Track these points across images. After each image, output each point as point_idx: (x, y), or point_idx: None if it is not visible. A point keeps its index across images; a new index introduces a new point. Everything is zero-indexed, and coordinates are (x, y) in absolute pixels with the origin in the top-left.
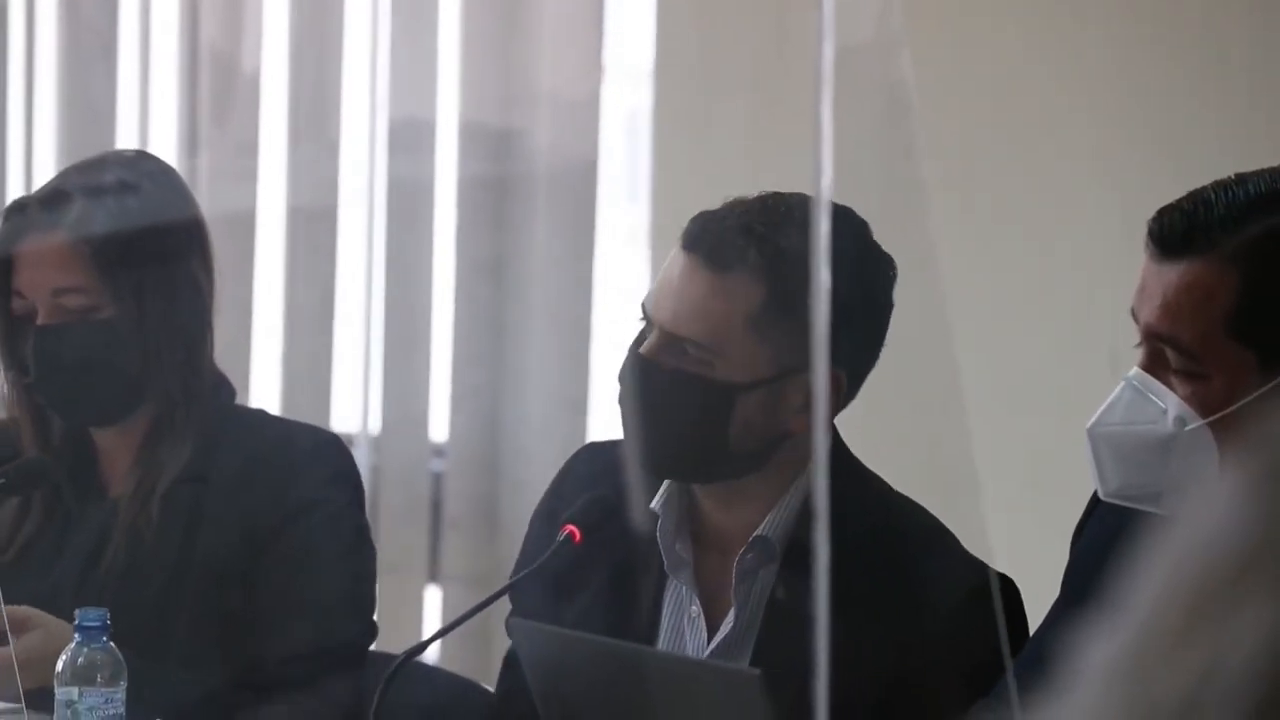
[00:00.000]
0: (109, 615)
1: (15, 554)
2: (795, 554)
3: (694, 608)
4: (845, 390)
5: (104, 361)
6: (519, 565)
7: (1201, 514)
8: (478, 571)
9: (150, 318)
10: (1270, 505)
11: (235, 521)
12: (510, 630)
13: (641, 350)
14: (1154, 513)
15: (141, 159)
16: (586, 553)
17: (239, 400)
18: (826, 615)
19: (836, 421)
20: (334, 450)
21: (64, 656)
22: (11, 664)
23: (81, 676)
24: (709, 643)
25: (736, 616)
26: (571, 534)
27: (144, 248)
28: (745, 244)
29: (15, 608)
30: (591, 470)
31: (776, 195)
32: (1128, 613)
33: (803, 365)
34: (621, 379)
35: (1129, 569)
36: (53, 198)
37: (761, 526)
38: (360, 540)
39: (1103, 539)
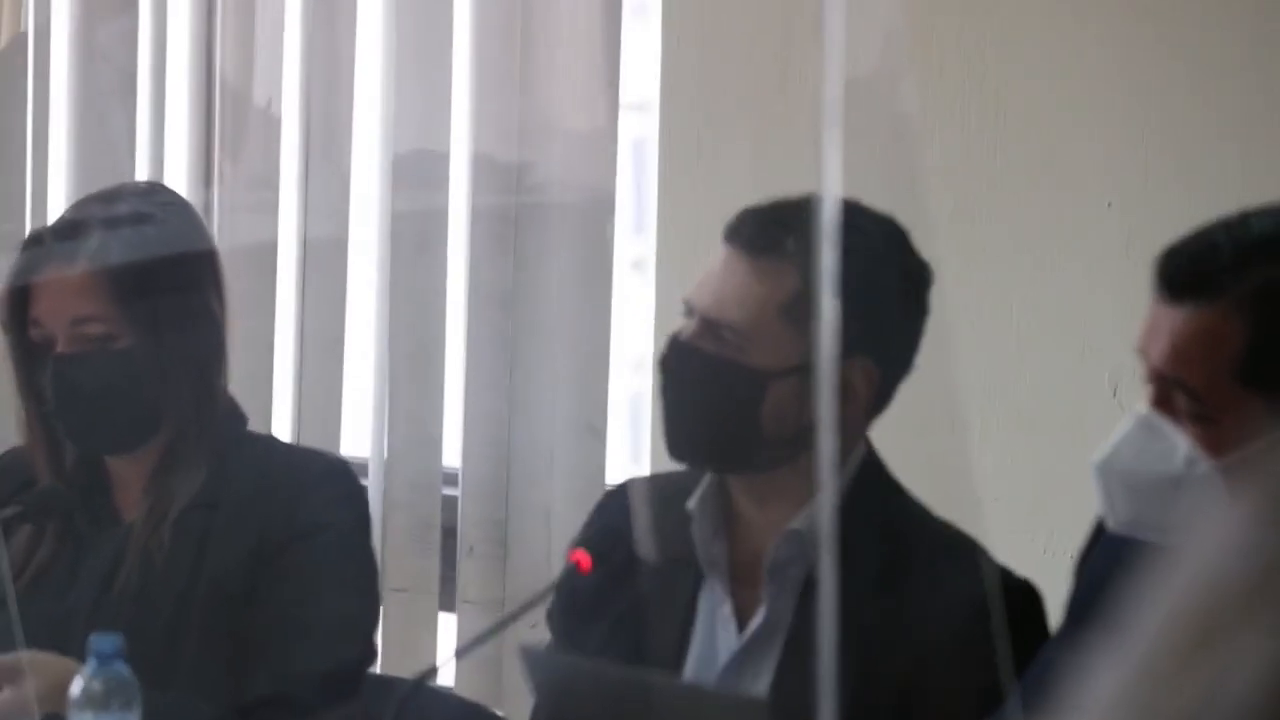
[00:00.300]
0: (122, 640)
1: (29, 580)
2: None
3: (726, 607)
4: (879, 386)
5: (121, 390)
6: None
7: (1207, 541)
8: (491, 596)
9: (167, 347)
10: (1275, 532)
11: (243, 544)
12: (520, 656)
13: (680, 336)
14: (1161, 544)
15: (155, 190)
16: (621, 567)
17: (258, 428)
18: (834, 618)
19: (874, 432)
20: (341, 475)
21: (77, 682)
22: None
23: (96, 702)
24: (738, 639)
25: (768, 612)
26: (578, 563)
27: (161, 278)
28: (783, 233)
29: (5, 657)
30: (622, 504)
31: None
32: (1133, 637)
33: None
34: (659, 365)
35: (1134, 595)
36: (71, 229)
37: (795, 520)
38: (363, 564)
39: (1108, 565)
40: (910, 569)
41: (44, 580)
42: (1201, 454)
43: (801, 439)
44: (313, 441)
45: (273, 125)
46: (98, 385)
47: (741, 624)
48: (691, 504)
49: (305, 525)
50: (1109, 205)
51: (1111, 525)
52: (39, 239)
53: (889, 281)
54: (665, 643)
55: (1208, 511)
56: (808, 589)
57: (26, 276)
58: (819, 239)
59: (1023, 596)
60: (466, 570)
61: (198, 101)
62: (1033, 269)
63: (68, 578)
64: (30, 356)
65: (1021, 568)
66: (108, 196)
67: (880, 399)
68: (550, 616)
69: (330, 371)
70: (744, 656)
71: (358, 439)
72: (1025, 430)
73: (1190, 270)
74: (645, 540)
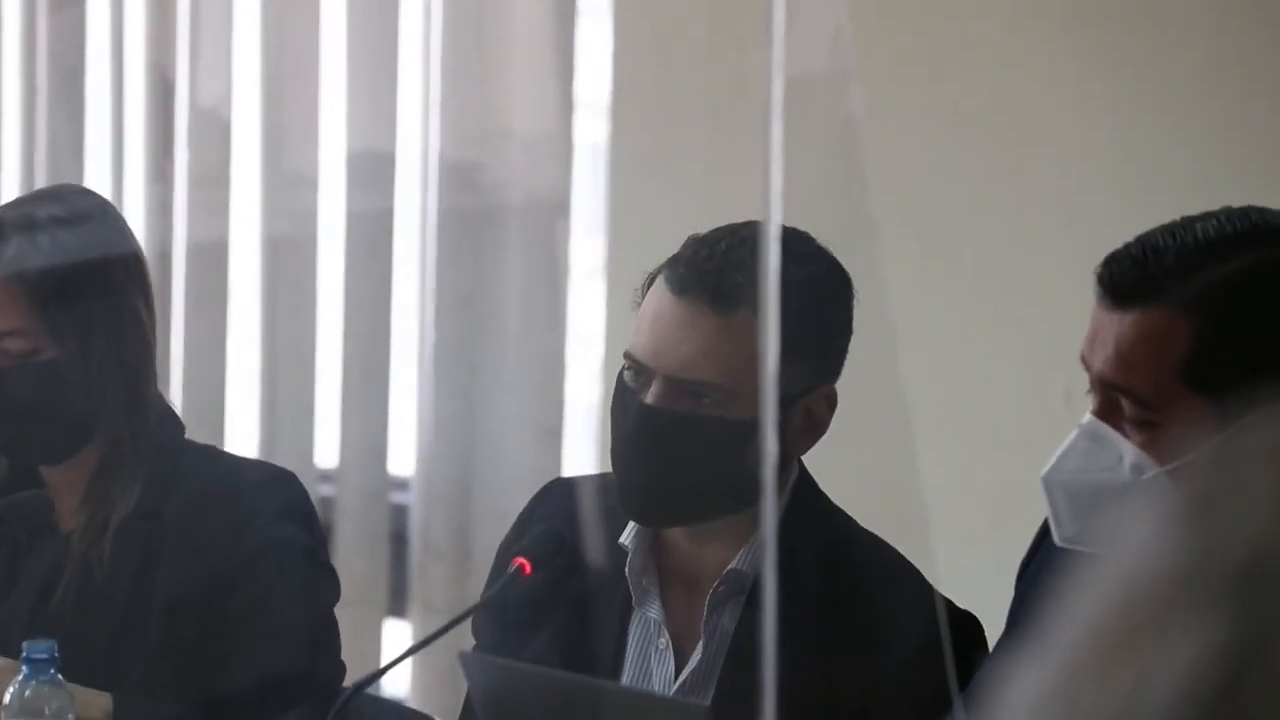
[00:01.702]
0: (58, 649)
1: None
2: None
3: (662, 640)
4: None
5: (49, 402)
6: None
7: (1131, 543)
8: (449, 603)
9: (93, 355)
10: (1195, 533)
11: (191, 557)
12: (461, 663)
13: (648, 401)
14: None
15: (74, 194)
16: (551, 585)
17: (215, 434)
18: (774, 643)
19: (805, 457)
20: (286, 485)
21: (11, 689)
22: None
23: (29, 709)
24: (677, 675)
25: (705, 648)
26: (521, 566)
27: (82, 284)
28: (744, 281)
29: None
30: (556, 506)
31: (742, 225)
32: (1057, 639)
33: (801, 390)
34: (627, 432)
35: (1062, 596)
36: None
37: (735, 560)
38: (319, 577)
39: (1048, 574)
40: (850, 586)
41: None
42: (1148, 460)
43: (777, 474)
44: (282, 449)
45: (224, 125)
46: (24, 400)
47: (678, 657)
48: (626, 539)
49: (256, 543)
50: (1067, 221)
51: (1058, 539)
52: None
53: (836, 304)
54: (598, 665)
55: (1137, 515)
56: (745, 622)
57: None
58: (763, 259)
59: (962, 624)
60: (430, 576)
61: (153, 100)
62: (990, 282)
63: (5, 587)
64: None
65: (976, 581)
66: (20, 203)
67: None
68: (476, 626)
69: (294, 377)
70: (682, 691)
71: (310, 448)
72: (981, 443)
73: (1134, 274)
74: (583, 555)
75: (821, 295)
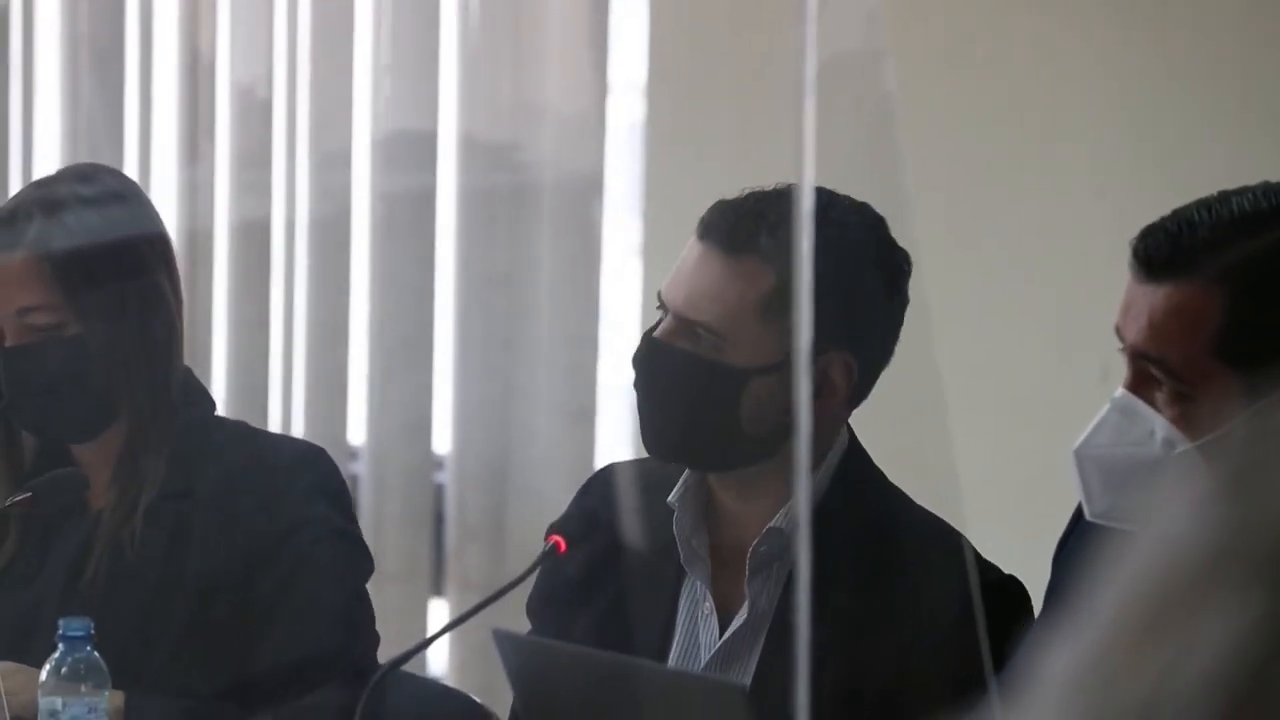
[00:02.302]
0: (92, 625)
1: (2, 565)
2: (813, 539)
3: (707, 604)
4: (857, 378)
5: (75, 378)
6: (537, 584)
7: (1166, 522)
8: (485, 582)
9: (118, 332)
10: (1231, 512)
11: (224, 536)
12: (495, 641)
13: (655, 334)
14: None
15: (99, 173)
16: (604, 559)
17: (258, 414)
18: (808, 614)
19: (853, 421)
20: (317, 461)
21: (48, 665)
22: None
23: (65, 686)
24: (720, 637)
25: (750, 609)
26: (556, 544)
27: (107, 261)
28: (758, 229)
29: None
30: (604, 490)
31: (779, 184)
32: (1090, 619)
33: (814, 351)
34: (635, 363)
35: (1096, 578)
36: (9, 217)
37: (775, 518)
38: (351, 554)
39: (1085, 555)
40: (894, 561)
41: (12, 571)
42: (1179, 434)
43: (780, 435)
44: (316, 429)
45: (261, 107)
46: (50, 375)
47: (723, 619)
48: (672, 498)
49: (290, 520)
50: (1098, 194)
51: (1089, 514)
52: None
53: (866, 273)
54: (648, 636)
55: (1172, 491)
56: (790, 585)
57: None
58: (795, 230)
59: (1006, 591)
60: (466, 555)
61: (185, 82)
62: (1021, 257)
63: (36, 567)
64: None
65: (1009, 558)
66: (47, 182)
67: (860, 390)
68: (530, 607)
69: (328, 356)
70: (726, 652)
71: (354, 426)
72: (1014, 419)
73: (1169, 247)
74: (627, 531)
75: (845, 260)
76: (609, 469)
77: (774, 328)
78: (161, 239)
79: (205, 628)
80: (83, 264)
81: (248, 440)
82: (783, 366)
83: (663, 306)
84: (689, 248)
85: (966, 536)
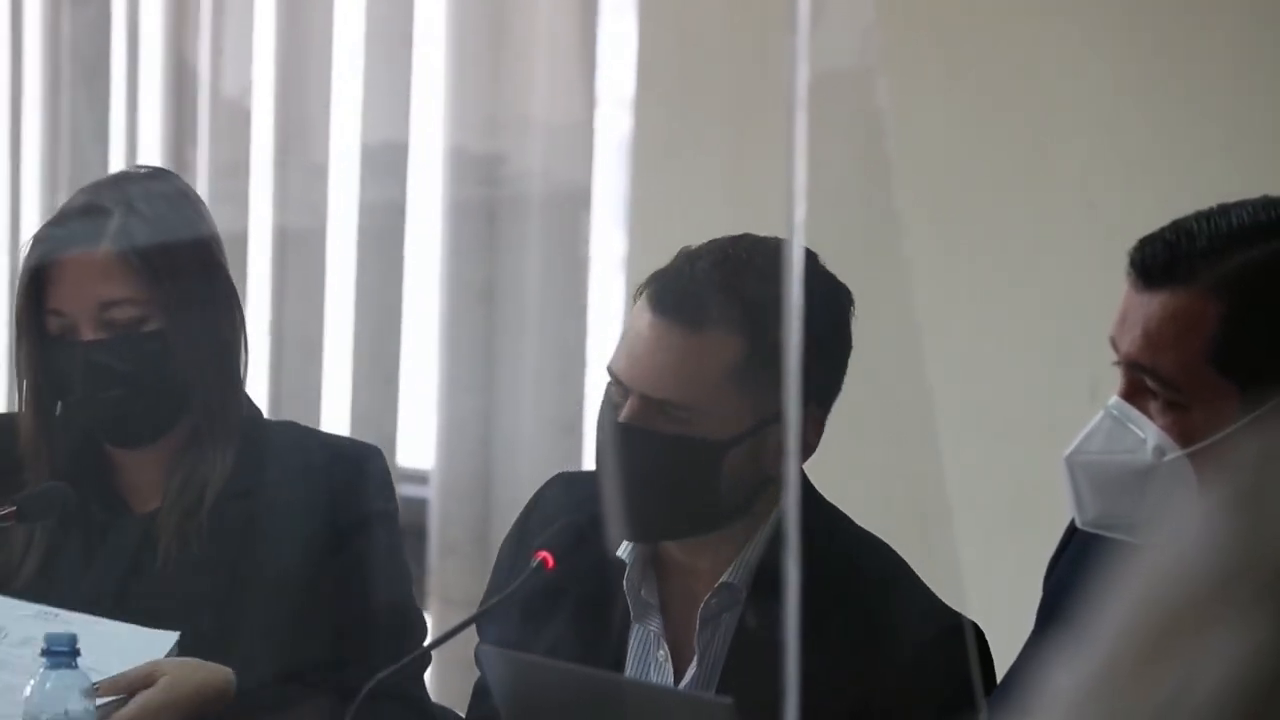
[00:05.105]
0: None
1: (36, 566)
2: (760, 591)
3: (661, 651)
4: (822, 427)
5: (153, 374)
6: (488, 594)
7: (1173, 538)
8: (467, 597)
9: (196, 329)
10: (1241, 529)
11: (293, 534)
12: (480, 658)
13: (621, 418)
14: (1129, 541)
15: (165, 173)
16: (555, 585)
17: None
18: (796, 640)
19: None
20: (376, 458)
21: (31, 683)
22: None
23: (48, 704)
24: (675, 686)
25: (699, 662)
26: (544, 560)
27: (189, 257)
28: (716, 299)
29: (141, 666)
30: (562, 501)
31: (731, 241)
32: (1098, 635)
33: (777, 413)
34: (603, 449)
35: (1099, 592)
36: (88, 211)
37: (727, 573)
38: (404, 546)
39: (1077, 570)
40: (842, 596)
41: (52, 567)
42: (1172, 443)
43: (755, 494)
44: None
45: (244, 116)
46: (130, 370)
47: (677, 667)
48: (623, 553)
49: (350, 512)
50: (1089, 205)
51: (1079, 521)
52: (55, 223)
53: (814, 317)
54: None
55: (1175, 503)
56: (739, 635)
57: (45, 264)
58: (786, 290)
59: (968, 623)
60: (447, 569)
61: (170, 92)
62: (1011, 270)
63: (81, 566)
64: (47, 348)
65: (998, 575)
66: (119, 180)
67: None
68: (479, 625)
69: (306, 369)
70: None
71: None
72: (1003, 434)
73: (1166, 256)
74: (581, 567)
75: (810, 319)
76: (562, 479)
77: (746, 395)
78: (219, 241)
79: (280, 623)
80: (169, 258)
81: (307, 439)
82: (757, 430)
83: (618, 383)
84: (638, 320)
85: (956, 551)
